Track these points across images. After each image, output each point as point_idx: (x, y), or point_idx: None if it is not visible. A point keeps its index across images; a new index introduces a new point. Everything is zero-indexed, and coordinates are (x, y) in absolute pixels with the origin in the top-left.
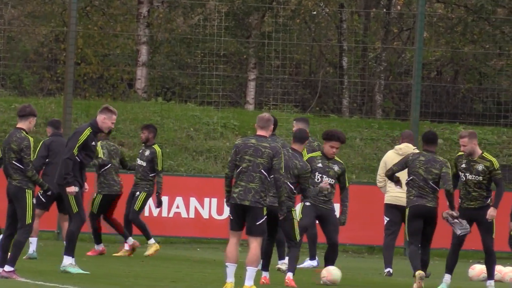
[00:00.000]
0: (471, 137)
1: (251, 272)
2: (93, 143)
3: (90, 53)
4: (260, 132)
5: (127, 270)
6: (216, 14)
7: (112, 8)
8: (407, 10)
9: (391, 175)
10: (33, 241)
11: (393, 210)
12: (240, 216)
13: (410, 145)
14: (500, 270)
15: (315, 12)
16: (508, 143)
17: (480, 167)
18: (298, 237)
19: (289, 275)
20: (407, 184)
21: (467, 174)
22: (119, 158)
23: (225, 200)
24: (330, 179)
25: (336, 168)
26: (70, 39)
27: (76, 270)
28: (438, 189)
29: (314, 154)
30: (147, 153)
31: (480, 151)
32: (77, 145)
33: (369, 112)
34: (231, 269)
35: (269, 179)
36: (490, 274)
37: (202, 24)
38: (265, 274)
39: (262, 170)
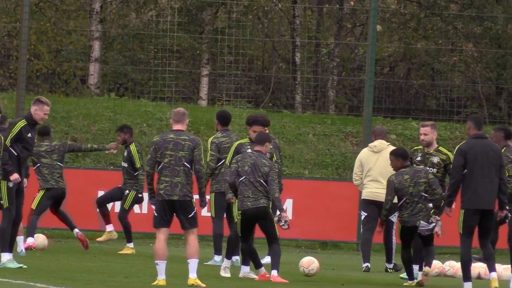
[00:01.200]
0: (433, 128)
1: (193, 264)
2: (29, 135)
3: (43, 49)
4: (176, 126)
5: (80, 265)
6: (169, 9)
7: (64, 4)
8: (360, 6)
9: (389, 208)
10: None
11: (371, 205)
12: (168, 212)
13: (384, 142)
14: (453, 265)
15: (268, 8)
16: (461, 139)
17: (435, 159)
18: (277, 233)
19: (274, 272)
20: (400, 206)
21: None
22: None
23: (148, 198)
24: None
25: None
26: (23, 35)
27: (15, 265)
28: (428, 197)
29: (242, 140)
30: (125, 153)
31: (436, 145)
32: (9, 137)
33: (322, 107)
34: (162, 266)
35: (192, 171)
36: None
37: (155, 20)
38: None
39: (185, 163)
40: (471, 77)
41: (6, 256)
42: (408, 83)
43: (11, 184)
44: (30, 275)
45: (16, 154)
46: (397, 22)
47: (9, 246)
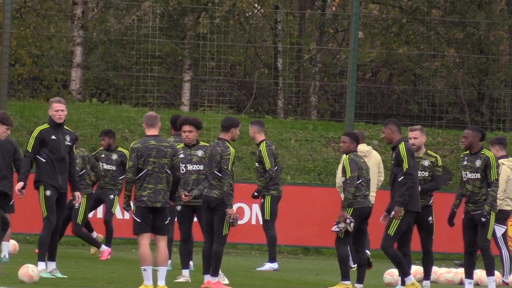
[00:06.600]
0: (421, 131)
1: (163, 272)
2: (53, 137)
3: (24, 54)
4: (151, 131)
5: (62, 271)
6: (150, 15)
7: (45, 9)
8: (342, 11)
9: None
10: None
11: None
12: (150, 218)
13: (365, 145)
14: (436, 271)
15: (250, 14)
16: (443, 144)
17: (426, 162)
18: (226, 231)
19: (210, 278)
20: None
21: None
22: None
23: (124, 205)
24: (195, 165)
25: (200, 153)
26: (5, 40)
27: (47, 275)
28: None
29: (179, 146)
30: (114, 156)
31: (425, 149)
32: (30, 143)
33: (304, 113)
34: (149, 271)
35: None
36: (427, 275)
37: (137, 25)
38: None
39: (167, 170)
40: (453, 82)
41: (42, 265)
42: (390, 89)
43: (48, 193)
44: (11, 281)
45: (44, 160)
46: (379, 27)
47: (50, 256)
